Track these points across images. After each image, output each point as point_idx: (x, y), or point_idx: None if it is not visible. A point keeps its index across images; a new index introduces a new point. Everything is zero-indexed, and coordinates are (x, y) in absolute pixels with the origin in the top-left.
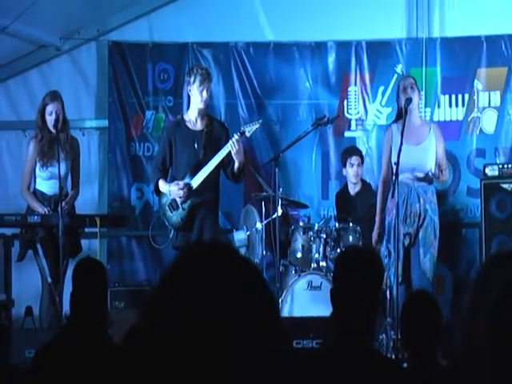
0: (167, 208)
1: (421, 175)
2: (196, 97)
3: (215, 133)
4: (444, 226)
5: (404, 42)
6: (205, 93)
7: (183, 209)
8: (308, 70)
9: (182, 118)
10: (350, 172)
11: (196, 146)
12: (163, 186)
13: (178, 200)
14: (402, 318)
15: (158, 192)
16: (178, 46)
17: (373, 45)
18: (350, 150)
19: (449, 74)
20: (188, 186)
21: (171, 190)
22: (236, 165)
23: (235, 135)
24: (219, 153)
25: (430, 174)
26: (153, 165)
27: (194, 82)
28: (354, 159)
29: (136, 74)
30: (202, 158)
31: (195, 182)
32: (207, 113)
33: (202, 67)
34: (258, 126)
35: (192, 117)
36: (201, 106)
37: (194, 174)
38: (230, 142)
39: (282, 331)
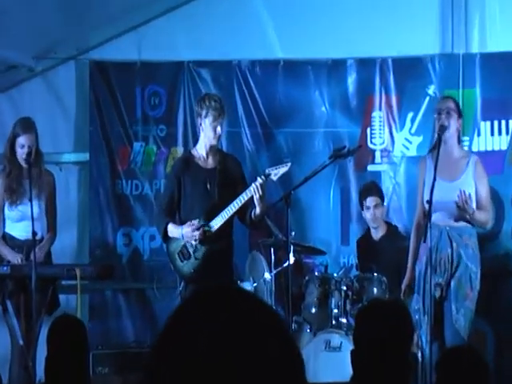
0: (177, 256)
1: (455, 209)
2: (208, 132)
3: (229, 170)
4: (484, 275)
5: (437, 59)
6: (219, 128)
7: (196, 258)
8: (324, 92)
9: (191, 153)
10: (367, 215)
11: (209, 186)
12: (174, 230)
13: (194, 243)
14: (438, 381)
15: (166, 238)
16: (172, 65)
17: (400, 62)
18: (365, 190)
19: (490, 97)
20: (203, 226)
21: (184, 232)
22: (257, 211)
23: (259, 179)
24: (239, 197)
25: (457, 203)
26: (157, 207)
27: (206, 115)
28: (370, 201)
29: (122, 99)
30: (217, 200)
31: (214, 226)
32: (218, 148)
33: (214, 98)
34: (286, 169)
35: (202, 153)
36: (214, 142)
37: (208, 218)
38: (253, 186)
39: None
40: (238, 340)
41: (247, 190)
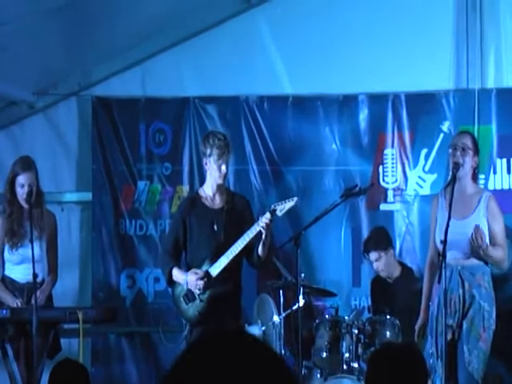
0: (182, 299)
1: (467, 248)
2: (214, 171)
3: (237, 210)
4: (500, 315)
5: (452, 95)
6: (223, 167)
7: (201, 300)
8: (335, 129)
9: (197, 193)
10: (374, 267)
11: (216, 226)
12: (178, 275)
13: (197, 291)
14: None
15: (170, 282)
16: (177, 101)
17: (414, 98)
18: (366, 243)
19: (507, 133)
20: (207, 274)
21: (189, 279)
22: (264, 249)
23: (265, 215)
24: (245, 235)
25: (470, 239)
26: (162, 249)
27: (210, 154)
28: (372, 256)
29: (126, 136)
30: (224, 241)
31: (215, 269)
32: (226, 187)
33: (218, 136)
34: (292, 204)
35: (209, 192)
36: (220, 181)
37: (214, 260)
38: (261, 223)
39: None
40: None
41: (252, 228)
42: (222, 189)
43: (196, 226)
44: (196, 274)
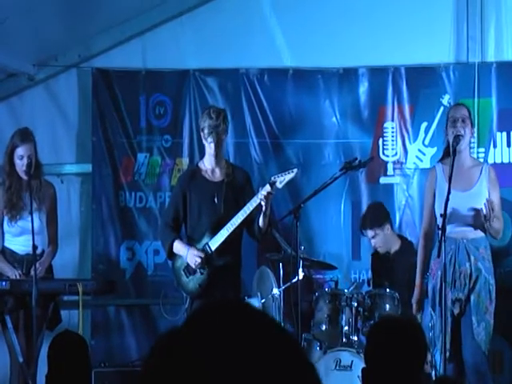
0: (182, 272)
1: (470, 220)
2: (207, 148)
3: (237, 183)
4: (501, 291)
5: (452, 68)
6: (213, 146)
7: (201, 273)
8: (335, 102)
9: (198, 166)
10: (372, 244)
11: (216, 199)
12: (180, 247)
13: (193, 266)
14: None
15: (171, 255)
16: (177, 73)
17: (414, 71)
18: (362, 221)
19: (507, 107)
20: (207, 255)
21: (189, 254)
22: (264, 221)
23: (265, 187)
24: (245, 208)
25: (482, 213)
26: (162, 222)
27: (202, 131)
28: (368, 234)
29: (126, 108)
30: (224, 214)
31: (215, 241)
32: (226, 160)
33: (212, 114)
34: (292, 175)
35: (208, 166)
36: (213, 158)
37: (214, 232)
38: (261, 195)
39: None
40: (246, 357)
41: (252, 201)
42: (221, 162)
43: (196, 198)
44: (197, 250)
